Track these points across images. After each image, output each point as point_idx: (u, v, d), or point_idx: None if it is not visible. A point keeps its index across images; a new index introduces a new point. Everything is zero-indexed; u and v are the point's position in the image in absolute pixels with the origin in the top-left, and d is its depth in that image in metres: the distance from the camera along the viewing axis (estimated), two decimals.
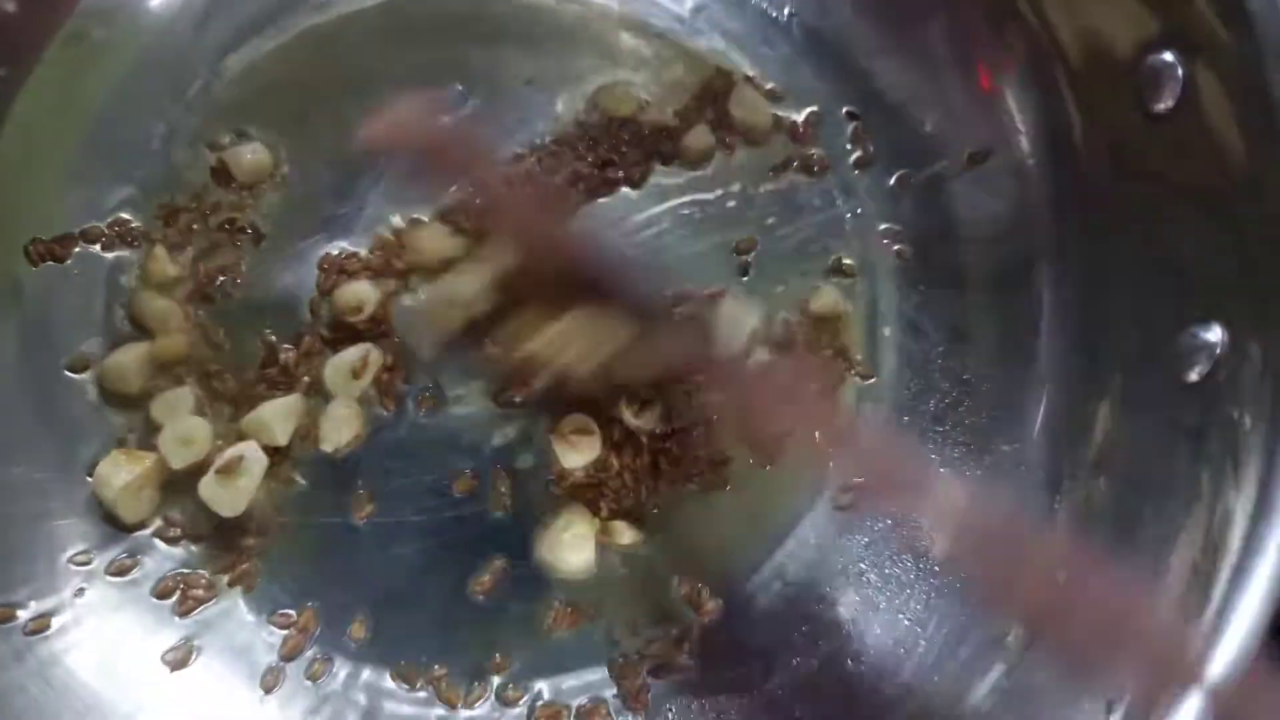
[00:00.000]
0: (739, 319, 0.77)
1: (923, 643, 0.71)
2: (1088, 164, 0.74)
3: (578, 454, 0.75)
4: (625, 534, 0.74)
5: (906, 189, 0.81)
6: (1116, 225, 0.71)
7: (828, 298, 0.79)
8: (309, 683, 0.70)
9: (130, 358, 0.73)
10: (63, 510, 0.71)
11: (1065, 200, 0.76)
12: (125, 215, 0.77)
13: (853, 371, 0.78)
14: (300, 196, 0.78)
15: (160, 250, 0.75)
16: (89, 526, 0.71)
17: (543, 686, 0.72)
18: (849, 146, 0.82)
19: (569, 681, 0.72)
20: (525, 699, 0.71)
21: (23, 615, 0.67)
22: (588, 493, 0.74)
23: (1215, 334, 0.61)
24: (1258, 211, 0.59)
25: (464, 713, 0.70)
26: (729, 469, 0.75)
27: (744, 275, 0.79)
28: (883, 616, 0.73)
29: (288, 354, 0.75)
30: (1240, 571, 0.54)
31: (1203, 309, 0.62)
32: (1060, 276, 0.76)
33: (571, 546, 0.73)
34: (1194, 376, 0.61)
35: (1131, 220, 0.70)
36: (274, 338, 0.75)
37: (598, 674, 0.72)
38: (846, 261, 0.80)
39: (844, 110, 0.82)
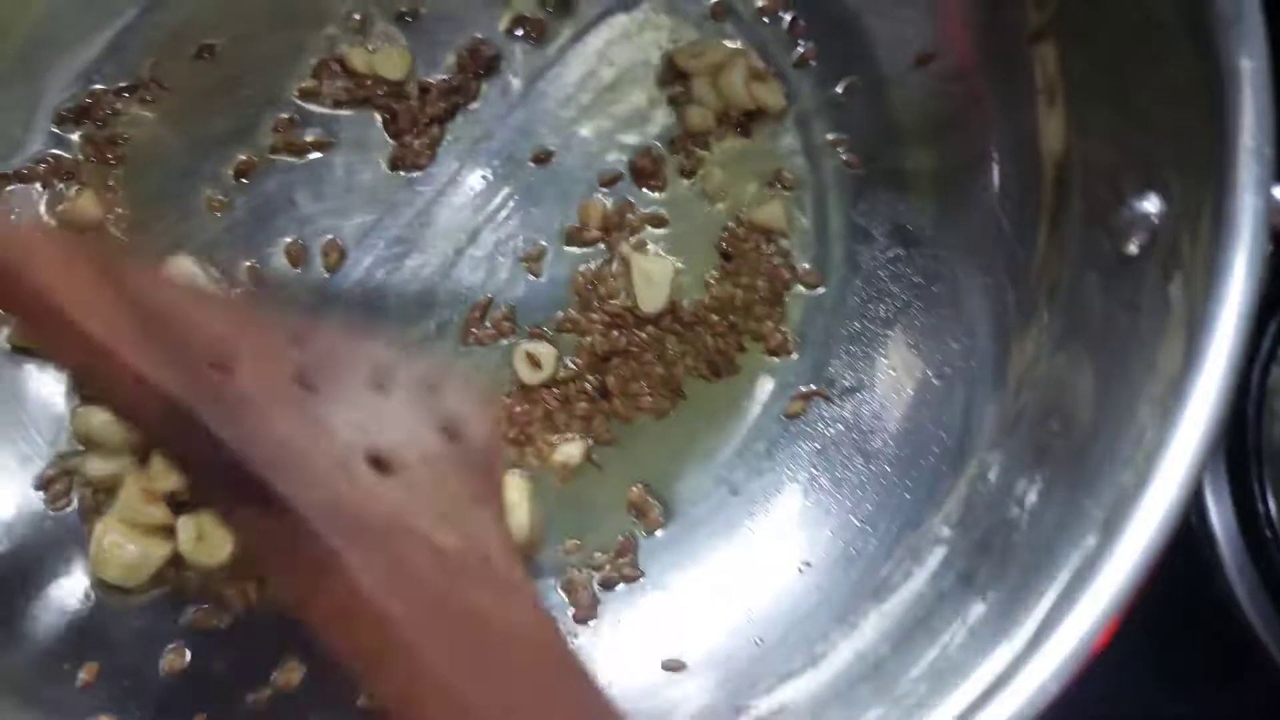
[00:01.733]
0: (654, 275, 0.75)
1: (874, 542, 0.70)
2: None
3: (535, 373, 0.75)
4: (569, 454, 0.73)
5: (854, 95, 0.79)
6: (1059, 103, 0.69)
7: (772, 209, 0.77)
8: None
9: None
10: None
11: (1010, 96, 0.75)
12: (57, 151, 0.76)
13: (800, 283, 0.77)
14: None
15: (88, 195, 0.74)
16: None
17: None
18: (793, 47, 0.80)
19: None
20: None
21: None
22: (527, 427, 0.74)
23: (1153, 204, 0.59)
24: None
25: None
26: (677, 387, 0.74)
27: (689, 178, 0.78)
28: (833, 520, 0.72)
29: None
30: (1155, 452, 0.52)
31: (1141, 179, 0.60)
32: (1005, 170, 0.75)
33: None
34: (1133, 249, 0.60)
35: (1077, 95, 0.68)
36: None
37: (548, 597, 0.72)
38: (786, 174, 0.78)
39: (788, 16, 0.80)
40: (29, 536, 0.70)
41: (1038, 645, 0.50)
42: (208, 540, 0.69)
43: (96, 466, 0.70)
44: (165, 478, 0.68)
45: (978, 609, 0.58)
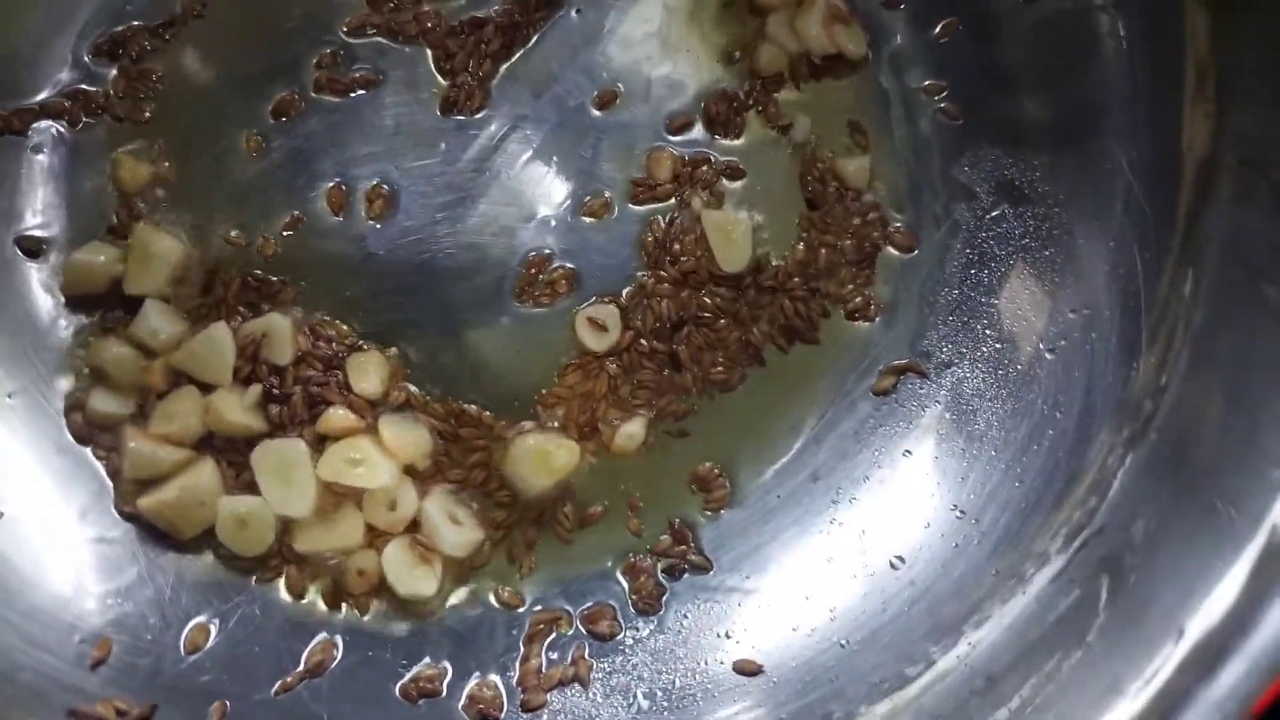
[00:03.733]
0: (733, 232, 0.68)
1: (976, 537, 0.62)
2: None
3: (599, 338, 0.68)
4: (633, 433, 0.66)
5: (954, 37, 0.71)
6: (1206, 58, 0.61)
7: (858, 164, 0.69)
8: None
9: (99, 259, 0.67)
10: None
11: (1141, 37, 0.66)
12: (84, 85, 0.69)
13: (891, 245, 0.69)
14: None
15: (126, 157, 0.68)
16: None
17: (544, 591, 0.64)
18: None
19: (571, 585, 0.64)
20: (524, 605, 0.64)
21: None
22: (589, 384, 0.66)
23: None
24: None
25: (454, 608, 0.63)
26: (754, 354, 0.67)
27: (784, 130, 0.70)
28: (930, 511, 0.64)
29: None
30: None
31: None
32: (1134, 126, 0.66)
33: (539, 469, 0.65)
34: None
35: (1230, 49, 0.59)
36: None
37: (605, 577, 0.64)
38: (876, 125, 0.70)
39: None
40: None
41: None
42: (250, 528, 0.63)
43: (102, 401, 0.65)
44: (167, 423, 0.64)
45: (1102, 630, 0.50)
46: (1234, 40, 0.59)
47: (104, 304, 0.67)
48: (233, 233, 0.68)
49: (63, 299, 0.67)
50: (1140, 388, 0.60)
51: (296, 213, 0.68)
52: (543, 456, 0.65)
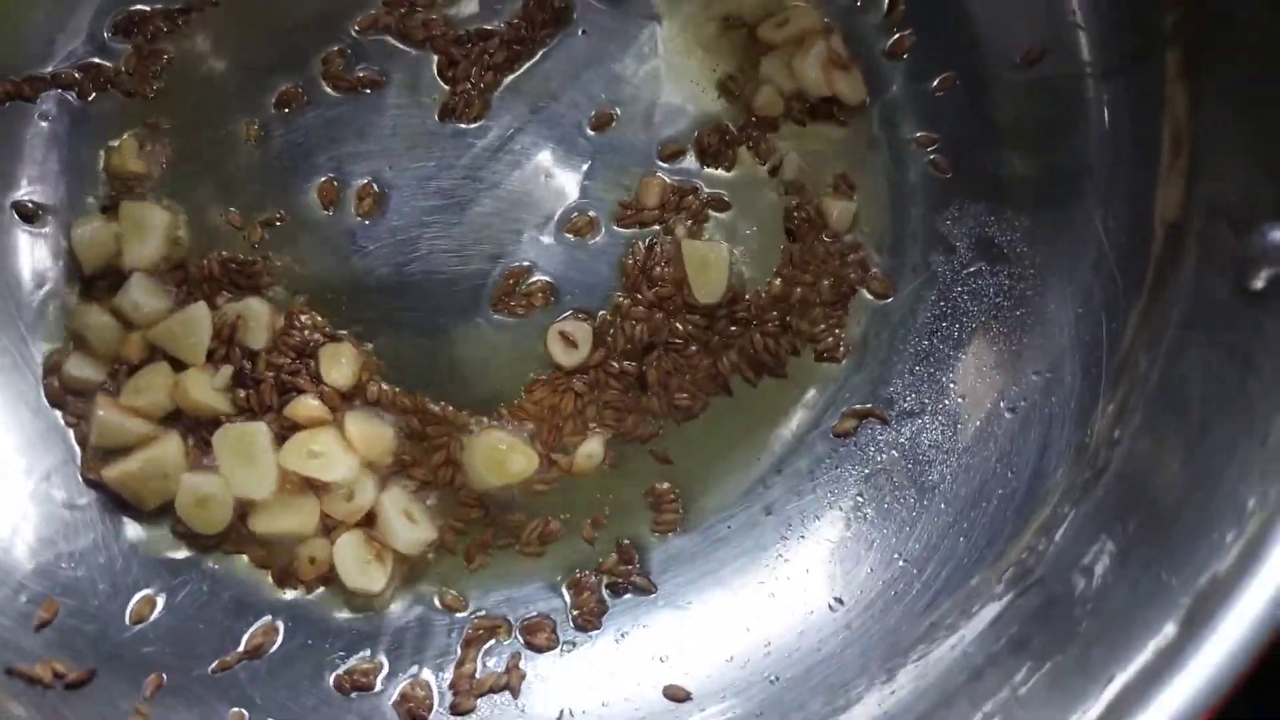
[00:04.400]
0: (710, 261, 0.69)
1: (917, 586, 0.62)
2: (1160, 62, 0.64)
3: (569, 354, 0.69)
4: (591, 452, 0.67)
5: (949, 92, 0.71)
6: (1192, 113, 0.61)
7: (843, 208, 0.70)
8: None
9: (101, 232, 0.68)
10: None
11: (1125, 105, 0.66)
12: (96, 59, 0.71)
13: (866, 290, 0.70)
14: None
15: (128, 142, 0.70)
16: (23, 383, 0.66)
17: (487, 598, 0.65)
18: (888, 34, 0.72)
19: (515, 594, 0.65)
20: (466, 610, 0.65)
21: None
22: (555, 398, 0.67)
23: None
24: None
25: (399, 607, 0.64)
26: (721, 383, 0.68)
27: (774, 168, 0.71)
28: (875, 556, 0.64)
29: None
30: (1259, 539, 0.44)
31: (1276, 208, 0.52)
32: (1112, 191, 0.66)
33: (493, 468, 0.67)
34: (1260, 284, 0.51)
35: (1208, 104, 0.60)
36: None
37: (549, 590, 0.65)
38: (866, 173, 0.70)
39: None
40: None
41: None
42: (208, 507, 0.64)
43: (77, 366, 0.67)
44: (137, 395, 0.65)
45: (1029, 682, 0.51)
46: (1210, 114, 0.60)
47: (109, 275, 0.69)
48: (230, 209, 0.70)
49: (70, 268, 0.69)
50: (1094, 442, 0.61)
51: (282, 211, 0.70)
52: (500, 457, 0.66)
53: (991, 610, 0.58)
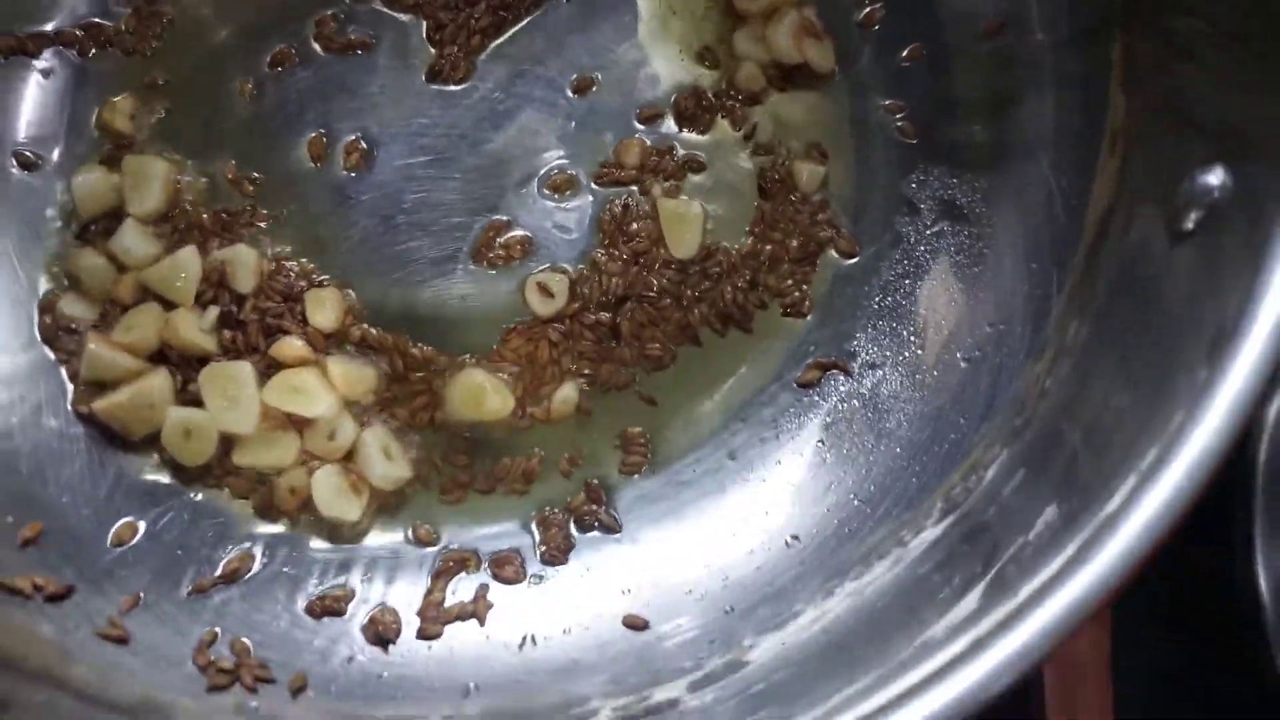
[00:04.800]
0: (685, 219, 0.72)
1: (870, 523, 0.64)
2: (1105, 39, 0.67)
3: (546, 303, 0.71)
4: (565, 397, 0.70)
5: (916, 63, 0.74)
6: (1132, 86, 0.64)
7: (811, 172, 0.73)
8: None
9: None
10: None
11: (1080, 72, 0.69)
12: (97, 18, 0.74)
13: (833, 249, 0.72)
14: None
15: (123, 103, 0.73)
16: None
17: (459, 533, 0.67)
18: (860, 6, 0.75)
19: (486, 530, 0.67)
20: (438, 544, 0.67)
21: None
22: (530, 346, 0.70)
23: (1217, 176, 0.53)
24: None
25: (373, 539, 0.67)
26: (690, 335, 0.70)
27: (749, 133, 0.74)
28: (832, 498, 0.67)
29: None
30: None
31: (1211, 153, 0.55)
32: (1062, 156, 0.69)
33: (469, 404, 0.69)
34: (1189, 225, 0.54)
35: (1146, 78, 0.63)
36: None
37: (519, 527, 0.68)
38: (834, 138, 0.73)
39: None
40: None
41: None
42: (193, 439, 0.67)
43: (70, 305, 0.70)
44: (127, 333, 0.68)
45: (961, 605, 0.53)
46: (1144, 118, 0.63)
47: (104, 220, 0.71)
48: (230, 162, 0.72)
49: (67, 214, 0.71)
50: (1024, 390, 0.63)
51: (272, 166, 0.73)
52: (478, 394, 0.69)
53: (927, 536, 0.60)
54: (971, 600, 0.51)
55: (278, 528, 0.67)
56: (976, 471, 0.62)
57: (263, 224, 0.72)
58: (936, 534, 0.60)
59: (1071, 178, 0.67)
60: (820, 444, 0.69)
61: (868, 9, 0.75)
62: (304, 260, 0.72)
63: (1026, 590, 0.45)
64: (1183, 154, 0.56)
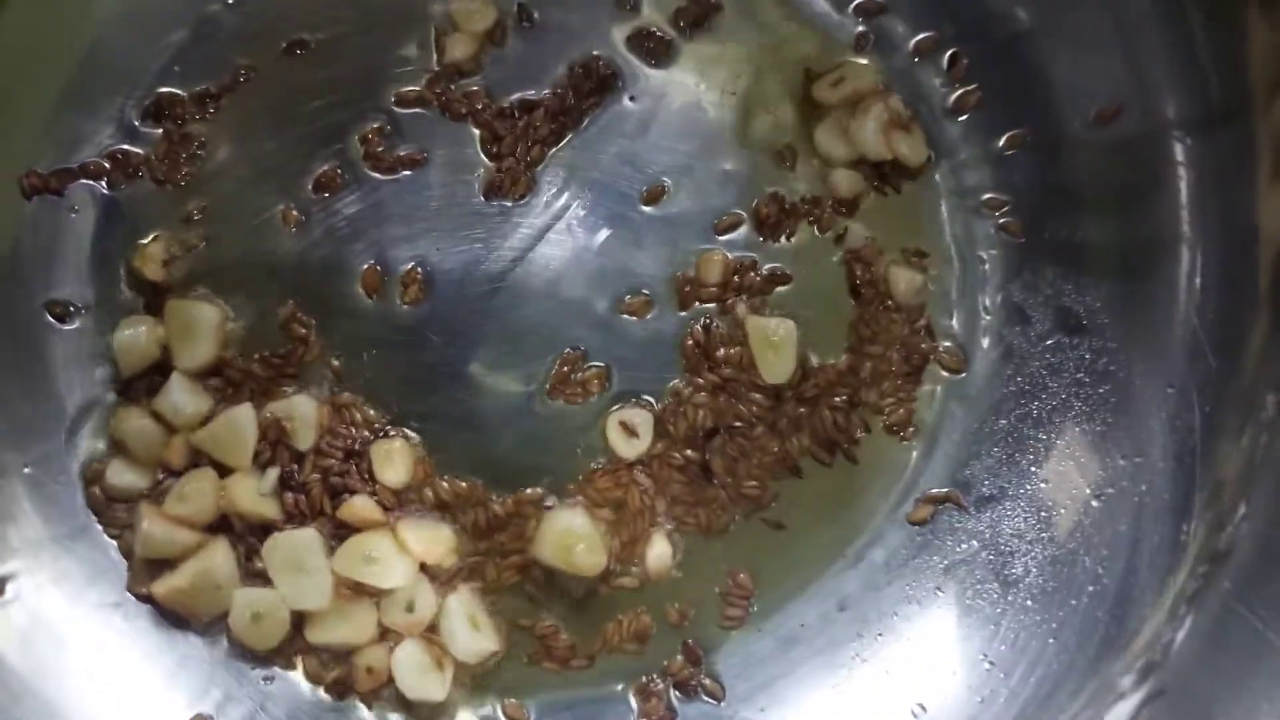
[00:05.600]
0: (778, 339, 0.66)
1: (1004, 692, 0.59)
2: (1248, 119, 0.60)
3: (631, 444, 0.66)
4: (660, 555, 0.64)
5: (1019, 151, 0.68)
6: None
7: (909, 279, 0.67)
8: None
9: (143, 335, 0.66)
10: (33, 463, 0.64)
11: (1213, 167, 0.63)
12: (125, 146, 0.68)
13: (938, 364, 0.66)
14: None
15: (154, 248, 0.67)
16: (59, 488, 0.64)
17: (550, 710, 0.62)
18: (944, 87, 0.68)
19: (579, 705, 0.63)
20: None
21: None
22: (619, 491, 0.65)
23: None
24: None
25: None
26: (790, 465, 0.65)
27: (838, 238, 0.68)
28: (958, 657, 0.61)
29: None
30: None
31: None
32: (1203, 259, 0.63)
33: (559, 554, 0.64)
34: None
35: None
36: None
37: (614, 698, 0.63)
38: (931, 241, 0.67)
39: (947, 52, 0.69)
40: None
41: None
42: (263, 623, 0.62)
43: (118, 474, 0.65)
44: (182, 504, 0.63)
45: None
46: None
47: (146, 375, 0.66)
48: (289, 302, 0.67)
49: (95, 368, 0.66)
50: (1205, 537, 0.57)
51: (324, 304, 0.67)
52: (569, 541, 0.64)
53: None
54: None
55: (358, 709, 0.63)
56: (1157, 639, 0.56)
57: (316, 369, 0.66)
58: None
59: (1214, 288, 0.61)
60: (939, 591, 0.63)
61: (959, 92, 0.68)
62: (364, 408, 0.66)
63: None
64: None
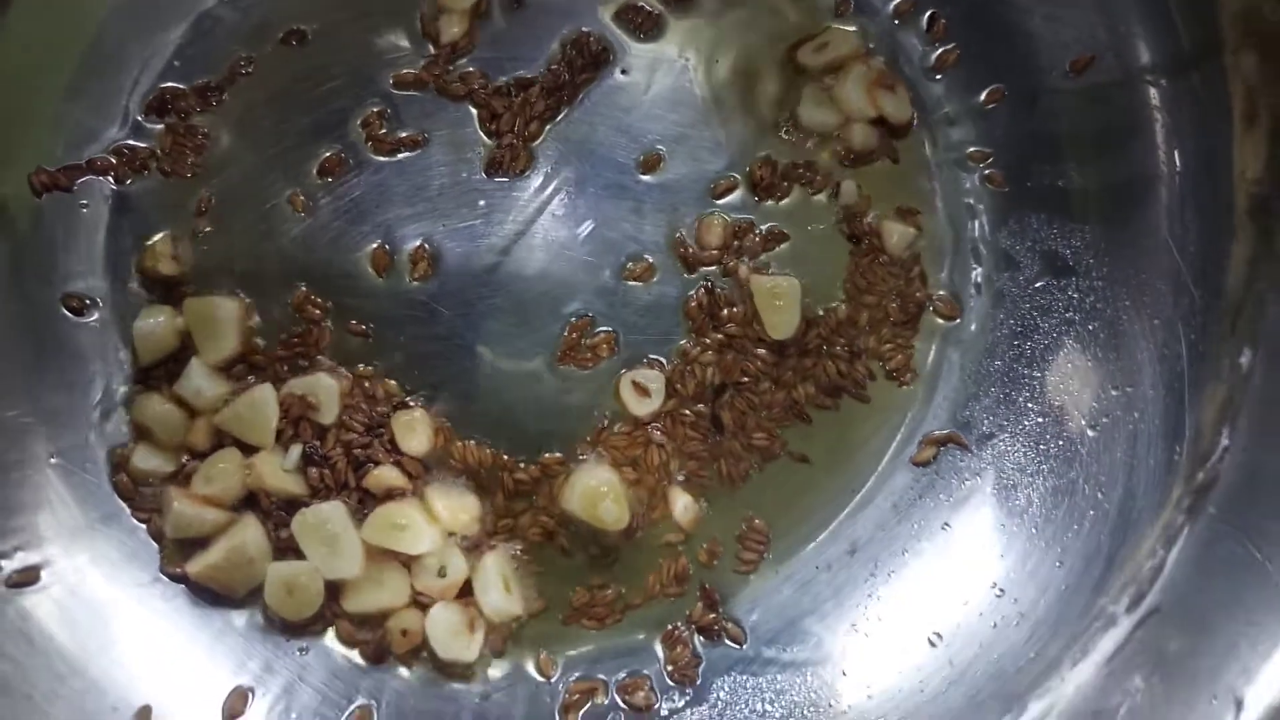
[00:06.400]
0: (782, 297, 0.68)
1: (1015, 616, 0.61)
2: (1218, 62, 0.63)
3: (643, 404, 0.68)
4: (683, 509, 0.66)
5: (1000, 104, 0.70)
6: (1253, 127, 0.60)
7: (901, 232, 0.69)
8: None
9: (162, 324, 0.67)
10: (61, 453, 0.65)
11: (1187, 109, 0.65)
12: (131, 141, 0.69)
13: (933, 310, 0.69)
14: None
15: (160, 245, 0.68)
16: (87, 476, 0.65)
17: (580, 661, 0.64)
18: (930, 50, 0.71)
19: (608, 655, 0.65)
20: (558, 673, 0.64)
21: (7, 566, 0.62)
22: (637, 450, 0.67)
23: None
24: None
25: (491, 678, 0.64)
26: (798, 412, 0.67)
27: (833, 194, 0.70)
28: (968, 587, 0.64)
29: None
30: None
31: None
32: (1182, 198, 0.65)
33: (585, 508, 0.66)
34: None
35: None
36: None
37: (641, 646, 0.65)
38: (921, 194, 0.70)
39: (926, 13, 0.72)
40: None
41: None
42: (298, 594, 0.64)
43: (144, 458, 0.66)
44: (209, 484, 0.65)
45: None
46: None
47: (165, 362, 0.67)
48: (302, 286, 0.68)
49: (112, 357, 0.68)
50: (1192, 460, 0.60)
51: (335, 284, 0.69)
52: (595, 497, 0.65)
53: (1105, 646, 0.57)
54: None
55: (391, 669, 0.65)
56: (1152, 557, 0.58)
57: (333, 346, 0.68)
58: (1111, 647, 0.57)
59: (1193, 223, 0.63)
60: (946, 527, 0.66)
61: (939, 51, 0.71)
62: (382, 381, 0.68)
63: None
64: None
